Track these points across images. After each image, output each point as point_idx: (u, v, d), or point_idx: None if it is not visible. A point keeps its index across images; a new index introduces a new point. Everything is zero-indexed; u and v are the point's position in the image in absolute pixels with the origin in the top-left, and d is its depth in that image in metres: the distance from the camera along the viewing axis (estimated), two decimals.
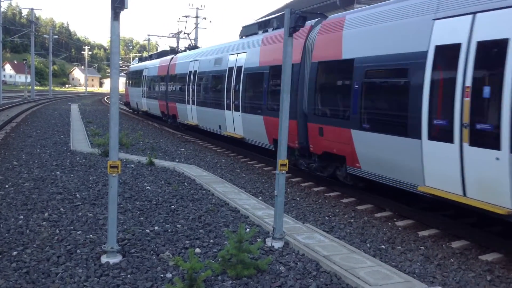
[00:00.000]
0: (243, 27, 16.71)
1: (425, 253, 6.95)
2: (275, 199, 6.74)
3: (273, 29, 14.13)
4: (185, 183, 10.47)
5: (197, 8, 47.65)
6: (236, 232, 6.21)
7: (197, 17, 44.88)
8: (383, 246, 7.21)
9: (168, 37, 62.83)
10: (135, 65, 35.82)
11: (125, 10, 5.52)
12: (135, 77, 32.97)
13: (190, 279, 4.93)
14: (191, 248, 6.15)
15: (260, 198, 9.88)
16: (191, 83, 19.71)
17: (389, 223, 8.44)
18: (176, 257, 5.69)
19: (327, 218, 8.71)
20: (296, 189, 11.15)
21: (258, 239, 6.67)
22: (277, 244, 6.54)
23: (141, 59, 35.93)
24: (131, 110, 36.63)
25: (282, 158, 6.73)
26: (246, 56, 14.57)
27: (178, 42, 54.10)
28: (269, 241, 6.62)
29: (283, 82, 6.82)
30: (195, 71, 19.41)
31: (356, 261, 5.94)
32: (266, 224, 7.41)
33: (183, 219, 7.69)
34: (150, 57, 32.11)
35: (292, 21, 6.80)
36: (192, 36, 49.49)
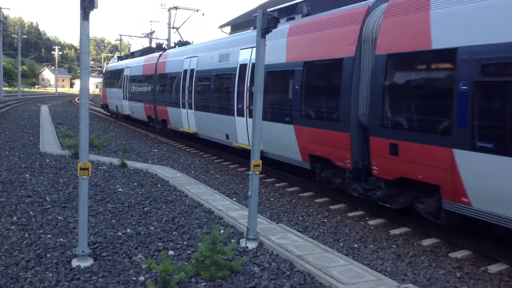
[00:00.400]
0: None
1: (396, 251, 7.07)
2: (249, 200, 6.74)
3: (302, 16, 11.32)
4: (159, 185, 10.37)
5: (170, 9, 47.30)
6: (210, 233, 6.18)
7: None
8: (356, 245, 7.29)
9: (140, 37, 62.15)
10: (113, 64, 32.67)
11: (95, 9, 5.44)
12: (114, 77, 29.95)
13: (163, 282, 4.88)
14: (164, 250, 6.09)
15: (234, 199, 9.87)
16: (187, 84, 16.83)
17: (362, 222, 8.55)
18: (149, 260, 5.63)
19: (301, 218, 8.76)
20: (270, 189, 11.18)
21: (232, 240, 6.66)
22: (251, 245, 6.54)
23: (121, 58, 32.73)
24: (110, 113, 33.55)
25: (255, 158, 6.74)
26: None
27: (150, 43, 53.57)
28: (243, 242, 6.61)
29: (256, 83, 6.82)
30: (192, 70, 16.57)
31: (329, 260, 6.00)
32: (240, 225, 7.41)
33: (156, 221, 7.61)
34: (132, 55, 29.18)
35: (264, 22, 6.82)
36: (166, 36, 49.16)
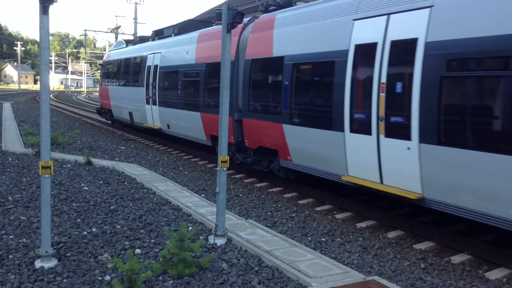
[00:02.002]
0: None
1: (363, 244, 7.18)
2: (217, 196, 6.71)
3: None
4: (125, 183, 10.21)
5: (136, 3, 46.57)
6: (177, 231, 6.13)
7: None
8: (323, 239, 7.38)
9: (106, 32, 61.01)
10: (120, 50, 22.17)
11: (55, 4, 5.29)
12: (124, 70, 20.39)
13: (129, 281, 4.81)
14: (130, 249, 6.00)
15: (203, 195, 9.82)
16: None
17: (329, 216, 8.65)
18: (115, 259, 5.54)
19: (269, 213, 8.79)
20: (239, 185, 11.18)
21: (201, 237, 6.62)
22: (220, 241, 6.53)
23: (131, 42, 22.60)
24: (112, 122, 23.20)
25: (223, 154, 6.71)
26: None
27: (116, 38, 52.73)
28: (211, 239, 6.59)
29: (222, 79, 6.79)
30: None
31: (298, 254, 6.04)
32: (209, 222, 7.38)
33: (123, 219, 7.49)
34: (159, 35, 18.31)
35: (229, 17, 6.80)
36: (132, 31, 48.41)
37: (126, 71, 19.96)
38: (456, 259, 6.52)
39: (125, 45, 22.30)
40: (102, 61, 22.69)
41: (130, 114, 19.18)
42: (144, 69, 17.54)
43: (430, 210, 6.99)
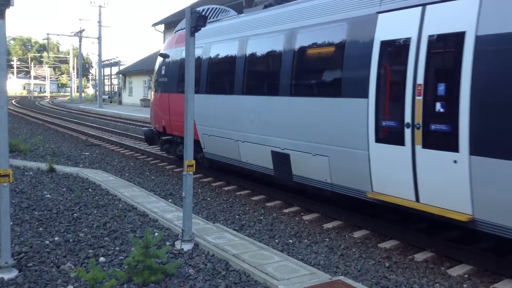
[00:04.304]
0: None
1: (329, 244, 7.26)
2: (183, 200, 6.65)
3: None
4: (90, 189, 10.00)
5: (100, 6, 45.83)
6: (143, 237, 6.03)
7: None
8: (291, 241, 7.42)
9: (70, 35, 59.78)
10: (231, 22, 11.13)
11: (11, 7, 5.14)
12: (263, 66, 10.10)
13: None
14: (93, 257, 5.87)
15: (170, 200, 9.72)
16: None
17: (297, 218, 8.71)
18: (78, 268, 5.40)
19: (237, 216, 8.78)
20: (207, 189, 11.12)
21: (167, 243, 6.55)
22: (187, 247, 6.47)
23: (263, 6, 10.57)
24: (174, 156, 14.14)
25: (189, 158, 6.66)
26: None
27: (80, 42, 51.81)
28: (178, 244, 6.52)
29: (187, 81, 6.75)
30: None
31: (265, 257, 6.05)
32: (176, 227, 7.30)
33: (87, 227, 7.33)
34: None
35: (193, 20, 6.77)
36: (97, 34, 47.58)
37: (274, 67, 9.38)
38: (420, 257, 6.67)
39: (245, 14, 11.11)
40: (163, 50, 13.83)
41: (283, 159, 8.98)
42: (368, 56, 7.41)
43: (395, 210, 7.11)
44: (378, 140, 6.91)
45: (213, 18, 12.25)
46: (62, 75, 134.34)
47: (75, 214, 8.02)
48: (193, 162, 6.69)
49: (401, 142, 6.49)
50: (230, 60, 10.64)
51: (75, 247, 6.40)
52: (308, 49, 8.61)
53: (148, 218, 7.91)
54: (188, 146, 6.69)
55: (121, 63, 62.56)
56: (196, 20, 6.76)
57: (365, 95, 7.06)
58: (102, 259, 5.97)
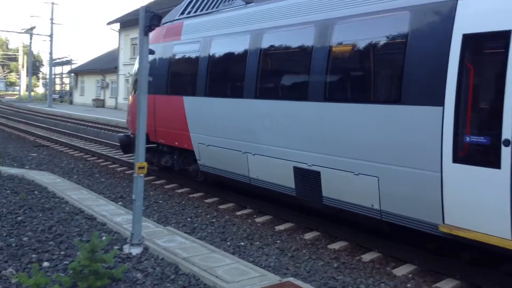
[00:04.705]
0: None
1: (280, 246, 7.32)
2: (133, 203, 6.52)
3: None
4: (35, 192, 9.62)
5: (53, 3, 44.40)
6: (89, 241, 5.87)
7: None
8: (243, 243, 7.43)
9: (20, 32, 57.60)
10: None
11: None
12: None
13: None
14: (36, 262, 5.65)
15: (120, 203, 9.51)
16: None
17: (249, 220, 8.73)
18: (20, 274, 5.19)
19: (189, 219, 8.70)
20: (159, 191, 10.96)
21: (115, 247, 6.40)
22: (135, 251, 6.34)
23: None
24: (156, 167, 12.50)
25: (140, 160, 6.54)
26: None
27: (31, 38, 49.99)
28: (126, 248, 6.39)
29: (140, 82, 6.65)
30: None
31: (216, 260, 6.02)
32: (125, 231, 7.15)
33: (31, 231, 7.05)
34: None
35: (147, 19, 6.67)
36: (48, 32, 45.94)
37: (299, 66, 8.11)
38: (367, 257, 6.84)
39: None
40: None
41: (311, 177, 7.53)
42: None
43: (345, 212, 7.23)
44: (457, 159, 5.48)
45: (211, 8, 10.46)
46: (11, 73, 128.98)
47: (19, 218, 7.70)
48: (145, 164, 6.57)
49: (496, 164, 5.13)
50: (239, 58, 8.99)
51: (17, 251, 6.14)
52: (352, 44, 7.03)
53: (96, 222, 7.70)
54: (140, 146, 6.56)
55: (73, 62, 60.86)
56: (150, 19, 6.66)
57: (439, 102, 5.63)
58: (46, 264, 5.76)
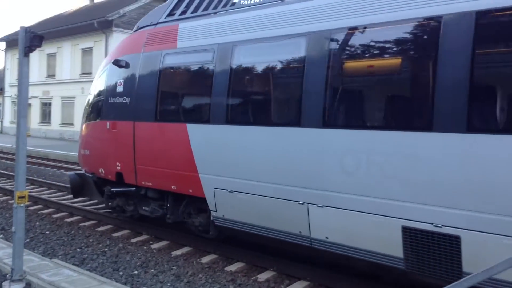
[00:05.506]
0: None
1: (176, 272, 7.16)
2: (13, 236, 6.01)
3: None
4: None
5: None
6: None
7: None
8: (136, 272, 7.15)
9: None
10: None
11: None
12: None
13: None
14: None
15: (1, 236, 8.71)
16: None
17: (145, 247, 8.45)
18: None
19: (79, 250, 8.21)
20: (46, 221, 10.23)
21: None
22: (17, 287, 5.83)
23: None
24: (129, 216, 9.60)
25: (21, 189, 6.07)
26: None
27: None
28: (6, 285, 5.84)
29: (19, 105, 6.20)
30: None
31: None
32: (5, 266, 6.57)
33: None
34: None
35: (27, 40, 6.30)
36: None
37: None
38: (262, 276, 6.93)
39: None
40: (119, 56, 9.22)
41: (441, 244, 5.06)
42: None
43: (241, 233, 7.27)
44: None
45: (222, 6, 7.81)
46: None
47: None
48: (26, 193, 6.11)
49: None
50: (290, 69, 6.66)
51: None
52: None
53: None
54: (20, 175, 6.09)
55: None
56: (31, 40, 6.30)
57: None
58: None
